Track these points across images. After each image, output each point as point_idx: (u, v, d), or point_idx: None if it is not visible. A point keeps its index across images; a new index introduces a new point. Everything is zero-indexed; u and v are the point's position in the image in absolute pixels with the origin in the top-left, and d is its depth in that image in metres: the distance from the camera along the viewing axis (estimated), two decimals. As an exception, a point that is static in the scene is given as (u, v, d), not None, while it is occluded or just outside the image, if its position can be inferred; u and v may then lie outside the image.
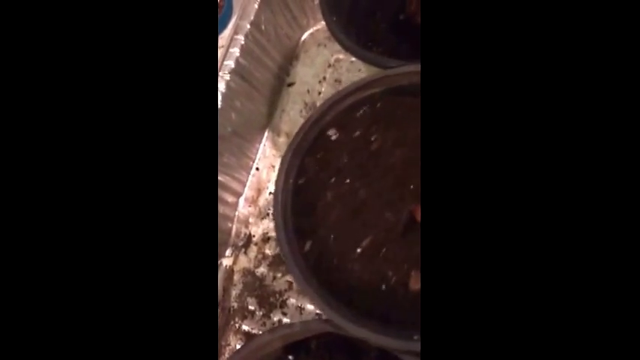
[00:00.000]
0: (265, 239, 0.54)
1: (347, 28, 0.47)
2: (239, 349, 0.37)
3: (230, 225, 0.55)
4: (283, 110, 0.60)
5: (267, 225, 0.55)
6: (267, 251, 0.53)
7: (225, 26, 0.53)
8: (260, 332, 0.48)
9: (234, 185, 0.56)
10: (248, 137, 0.57)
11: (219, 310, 0.51)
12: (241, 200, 0.57)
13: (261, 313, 0.50)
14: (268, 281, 0.52)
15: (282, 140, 0.58)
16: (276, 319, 0.50)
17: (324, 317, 0.34)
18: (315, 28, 0.64)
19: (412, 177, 0.39)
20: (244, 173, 0.57)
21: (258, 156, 0.59)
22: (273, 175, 0.56)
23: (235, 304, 0.52)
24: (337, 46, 0.47)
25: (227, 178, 0.54)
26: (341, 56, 0.60)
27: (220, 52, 0.52)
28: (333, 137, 0.43)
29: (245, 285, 0.52)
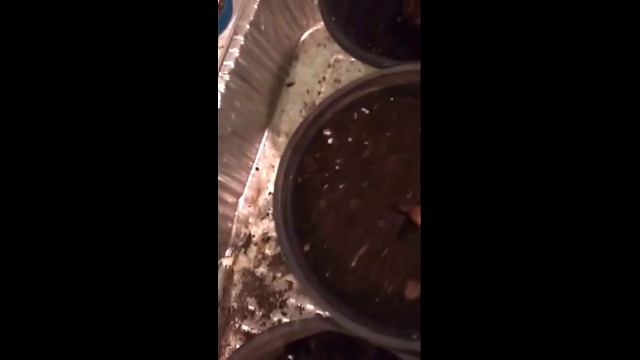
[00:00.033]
0: (265, 239, 0.54)
1: (346, 29, 0.47)
2: (239, 348, 0.37)
3: (230, 225, 0.56)
4: (283, 110, 0.60)
5: (267, 225, 0.55)
6: (267, 251, 0.53)
7: (224, 27, 0.53)
8: (260, 332, 0.48)
9: (234, 185, 0.56)
10: (248, 137, 0.57)
11: (219, 310, 0.51)
12: (241, 200, 0.57)
13: (260, 313, 0.50)
14: (268, 281, 0.52)
15: (282, 140, 0.58)
16: (275, 319, 0.50)
17: (324, 316, 0.35)
18: (314, 28, 0.64)
19: (410, 178, 0.39)
20: (244, 173, 0.57)
21: (257, 156, 0.59)
22: (273, 175, 0.56)
23: (235, 304, 0.52)
24: (337, 47, 0.47)
25: (227, 178, 0.54)
26: (340, 56, 0.60)
27: (220, 53, 0.52)
28: (331, 137, 0.43)
29: (245, 285, 0.52)
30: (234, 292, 0.52)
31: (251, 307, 0.51)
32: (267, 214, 0.55)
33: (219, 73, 0.51)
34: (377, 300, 0.36)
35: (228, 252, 0.54)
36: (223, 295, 0.52)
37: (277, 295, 0.51)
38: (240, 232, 0.55)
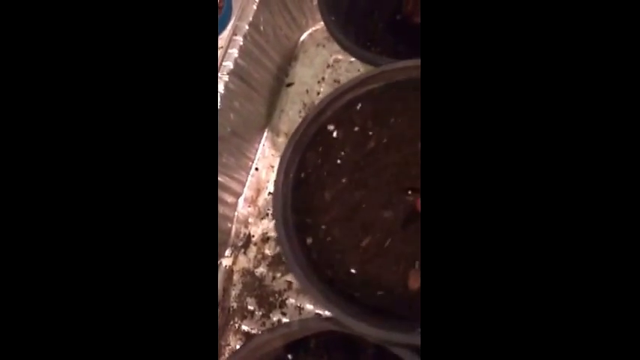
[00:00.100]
0: (265, 239, 0.54)
1: (345, 28, 0.47)
2: (238, 349, 0.37)
3: (229, 225, 0.56)
4: (282, 110, 0.60)
5: (267, 225, 0.55)
6: (267, 251, 0.53)
7: (223, 27, 0.53)
8: (260, 332, 0.49)
9: (234, 185, 0.56)
10: (247, 137, 0.57)
11: (218, 310, 0.51)
12: (241, 200, 0.57)
13: (260, 313, 0.50)
14: (268, 281, 0.52)
15: (282, 140, 0.58)
16: (275, 319, 0.50)
17: (323, 316, 0.35)
18: (313, 28, 0.64)
19: (412, 171, 0.39)
20: (244, 173, 0.58)
21: (257, 156, 0.59)
22: (273, 175, 0.56)
23: (235, 304, 0.52)
24: (336, 47, 0.47)
25: (226, 178, 0.54)
26: (340, 56, 0.60)
27: (219, 53, 0.52)
28: (333, 133, 0.43)
29: (244, 285, 0.52)
30: (233, 292, 0.52)
31: (251, 307, 0.51)
32: (267, 214, 0.55)
33: (219, 74, 0.51)
34: (379, 293, 0.36)
35: (227, 252, 0.54)
36: (223, 295, 0.52)
37: (277, 295, 0.51)
38: (240, 232, 0.55)
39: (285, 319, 0.49)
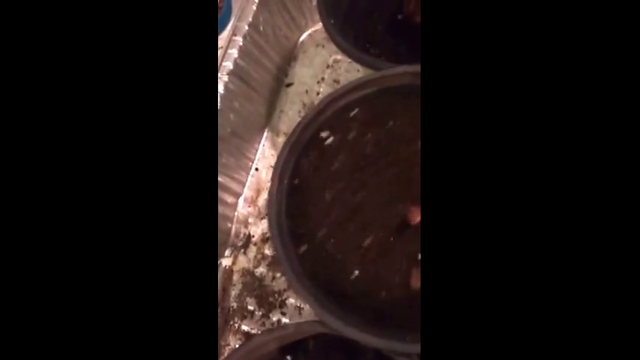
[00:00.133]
0: (264, 239, 0.54)
1: (345, 30, 0.47)
2: (235, 350, 0.38)
3: (229, 225, 0.56)
4: (282, 111, 0.61)
5: (267, 225, 0.55)
6: (267, 251, 0.54)
7: (223, 28, 0.53)
8: (260, 332, 0.49)
9: (234, 186, 0.56)
10: (247, 138, 0.57)
11: (218, 310, 0.51)
12: (240, 200, 0.57)
13: (260, 313, 0.51)
14: (267, 281, 0.52)
15: (281, 140, 0.58)
16: (275, 319, 0.50)
17: (317, 319, 0.35)
18: (313, 28, 0.64)
19: (406, 179, 0.39)
20: (243, 174, 0.58)
21: (257, 156, 0.59)
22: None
23: (235, 304, 0.52)
24: (335, 47, 0.47)
25: (226, 178, 0.54)
26: (339, 57, 0.60)
27: (219, 54, 0.52)
28: (328, 139, 0.43)
29: (244, 285, 0.53)
30: (233, 292, 0.53)
31: (250, 307, 0.51)
32: (267, 215, 0.56)
33: (218, 74, 0.51)
34: (382, 294, 0.36)
35: (227, 252, 0.55)
36: (223, 295, 0.52)
37: (277, 295, 0.51)
38: (240, 233, 0.56)
39: (285, 319, 0.50)
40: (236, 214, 0.56)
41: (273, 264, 0.53)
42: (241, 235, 0.55)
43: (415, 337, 0.32)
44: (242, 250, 0.54)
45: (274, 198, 0.40)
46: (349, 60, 0.58)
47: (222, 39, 0.52)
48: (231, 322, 0.51)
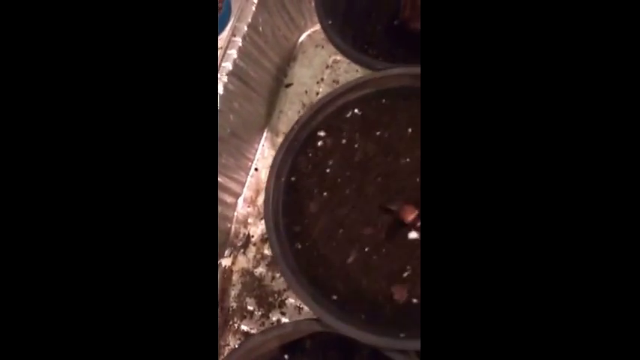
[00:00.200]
0: (264, 239, 0.54)
1: (343, 31, 0.47)
2: (233, 350, 0.38)
3: (229, 225, 0.56)
4: (281, 111, 0.61)
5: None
6: (266, 251, 0.54)
7: (222, 28, 0.53)
8: (253, 334, 0.49)
9: (233, 186, 0.56)
10: (246, 138, 0.57)
11: (218, 310, 0.51)
12: (240, 201, 0.57)
13: (259, 313, 0.51)
14: (267, 281, 0.52)
15: (281, 141, 0.58)
16: (274, 318, 0.50)
17: (315, 318, 0.35)
18: (312, 29, 0.64)
19: (400, 178, 0.40)
20: (243, 174, 0.58)
21: (256, 156, 0.59)
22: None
23: (234, 304, 0.52)
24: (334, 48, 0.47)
25: (225, 179, 0.54)
26: (338, 57, 0.60)
27: (218, 54, 0.52)
28: (325, 138, 0.43)
29: (244, 285, 0.53)
30: (233, 292, 0.53)
31: (250, 307, 0.51)
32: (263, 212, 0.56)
33: (217, 75, 0.51)
34: (367, 302, 0.36)
35: (227, 252, 0.55)
36: (222, 296, 0.52)
37: (276, 295, 0.51)
38: (239, 233, 0.56)
39: (284, 319, 0.50)
40: (235, 214, 0.57)
41: (272, 264, 0.53)
42: (241, 236, 0.56)
43: (410, 334, 0.32)
44: (241, 251, 0.54)
45: (271, 195, 0.40)
46: (348, 61, 0.58)
47: (222, 40, 0.53)
48: (231, 322, 0.51)
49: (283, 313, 0.50)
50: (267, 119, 0.60)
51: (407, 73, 0.40)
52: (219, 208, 0.53)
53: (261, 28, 0.56)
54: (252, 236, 0.55)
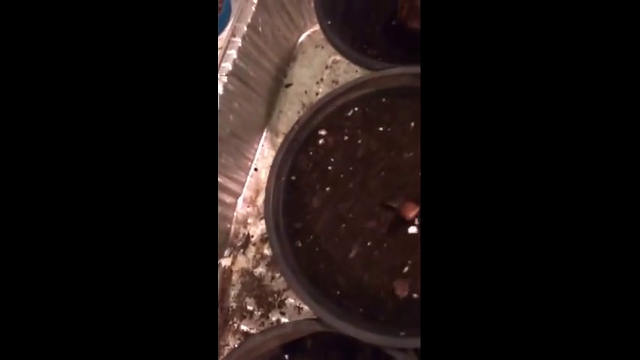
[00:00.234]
0: (264, 239, 0.54)
1: (342, 31, 0.47)
2: (233, 350, 0.38)
3: (228, 225, 0.56)
4: (281, 111, 0.61)
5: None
6: (266, 251, 0.54)
7: (222, 29, 0.53)
8: (252, 334, 0.49)
9: (233, 186, 0.56)
10: (246, 138, 0.57)
11: (217, 310, 0.51)
12: (240, 201, 0.57)
13: (259, 313, 0.51)
14: (267, 281, 0.52)
15: (280, 141, 0.58)
16: (274, 318, 0.50)
17: (315, 317, 0.35)
18: (312, 29, 0.64)
19: (400, 175, 0.40)
20: (243, 174, 0.58)
21: (256, 157, 0.59)
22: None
23: (234, 304, 0.52)
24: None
25: (225, 179, 0.54)
26: (338, 57, 0.60)
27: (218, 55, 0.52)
28: (325, 137, 0.44)
29: (243, 285, 0.53)
30: (232, 292, 0.53)
31: (250, 307, 0.51)
32: (263, 211, 0.56)
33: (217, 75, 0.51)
34: (368, 297, 0.36)
35: (226, 252, 0.55)
36: (222, 296, 0.52)
37: (276, 295, 0.51)
38: (239, 233, 0.56)
39: (284, 319, 0.50)
40: (235, 214, 0.57)
41: (272, 264, 0.53)
42: (240, 236, 0.56)
43: (410, 332, 0.32)
44: (241, 251, 0.54)
45: (271, 195, 0.40)
46: (348, 61, 0.58)
47: (221, 40, 0.53)
48: (231, 322, 0.51)
49: (283, 313, 0.50)
50: (267, 119, 0.61)
51: (406, 72, 0.41)
52: (219, 208, 0.53)
53: (260, 29, 0.56)
54: (252, 236, 0.55)
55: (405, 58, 0.42)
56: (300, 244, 0.39)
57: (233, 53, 0.52)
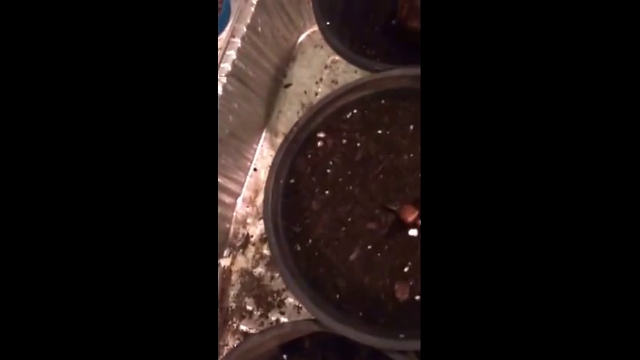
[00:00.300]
0: (263, 239, 0.54)
1: (341, 32, 0.47)
2: (231, 350, 0.38)
3: (228, 226, 0.56)
4: (280, 111, 0.61)
5: (265, 225, 0.55)
6: (265, 251, 0.54)
7: (222, 29, 0.53)
8: (251, 334, 0.49)
9: (232, 186, 0.56)
10: (245, 138, 0.57)
11: (217, 310, 0.51)
12: (239, 201, 0.57)
13: (259, 312, 0.51)
14: (266, 281, 0.52)
15: (280, 141, 0.58)
16: (274, 318, 0.50)
17: (314, 318, 0.35)
18: (311, 29, 0.64)
19: (400, 178, 0.40)
20: (242, 174, 0.58)
21: (255, 157, 0.60)
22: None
23: (233, 304, 0.52)
24: (332, 48, 0.48)
25: (224, 179, 0.54)
26: (337, 57, 0.60)
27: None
28: (324, 139, 0.44)
29: (243, 285, 0.53)
30: (232, 292, 0.53)
31: (249, 307, 0.51)
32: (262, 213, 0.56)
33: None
34: (368, 300, 0.36)
35: (226, 252, 0.55)
36: (221, 296, 0.52)
37: (275, 295, 0.51)
38: (239, 233, 0.56)
39: (283, 319, 0.50)
40: (234, 214, 0.57)
41: (271, 264, 0.53)
42: (240, 236, 0.56)
43: (409, 334, 0.32)
44: (241, 251, 0.55)
45: (270, 197, 0.40)
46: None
47: (221, 40, 0.53)
48: (230, 322, 0.51)
49: (282, 313, 0.50)
50: (266, 119, 0.61)
51: (406, 74, 0.41)
52: (219, 209, 0.53)
53: (260, 29, 0.56)
54: (252, 236, 0.55)
55: (404, 57, 0.42)
56: (299, 248, 0.39)
57: (232, 54, 0.52)
